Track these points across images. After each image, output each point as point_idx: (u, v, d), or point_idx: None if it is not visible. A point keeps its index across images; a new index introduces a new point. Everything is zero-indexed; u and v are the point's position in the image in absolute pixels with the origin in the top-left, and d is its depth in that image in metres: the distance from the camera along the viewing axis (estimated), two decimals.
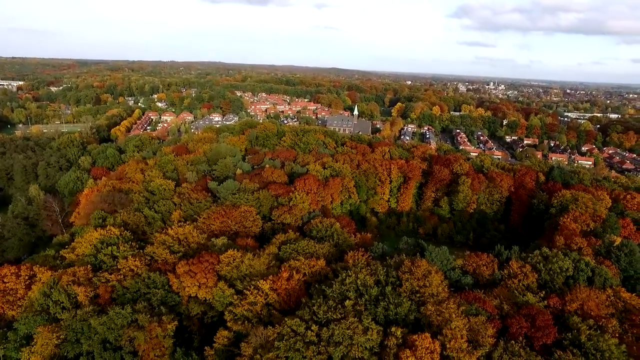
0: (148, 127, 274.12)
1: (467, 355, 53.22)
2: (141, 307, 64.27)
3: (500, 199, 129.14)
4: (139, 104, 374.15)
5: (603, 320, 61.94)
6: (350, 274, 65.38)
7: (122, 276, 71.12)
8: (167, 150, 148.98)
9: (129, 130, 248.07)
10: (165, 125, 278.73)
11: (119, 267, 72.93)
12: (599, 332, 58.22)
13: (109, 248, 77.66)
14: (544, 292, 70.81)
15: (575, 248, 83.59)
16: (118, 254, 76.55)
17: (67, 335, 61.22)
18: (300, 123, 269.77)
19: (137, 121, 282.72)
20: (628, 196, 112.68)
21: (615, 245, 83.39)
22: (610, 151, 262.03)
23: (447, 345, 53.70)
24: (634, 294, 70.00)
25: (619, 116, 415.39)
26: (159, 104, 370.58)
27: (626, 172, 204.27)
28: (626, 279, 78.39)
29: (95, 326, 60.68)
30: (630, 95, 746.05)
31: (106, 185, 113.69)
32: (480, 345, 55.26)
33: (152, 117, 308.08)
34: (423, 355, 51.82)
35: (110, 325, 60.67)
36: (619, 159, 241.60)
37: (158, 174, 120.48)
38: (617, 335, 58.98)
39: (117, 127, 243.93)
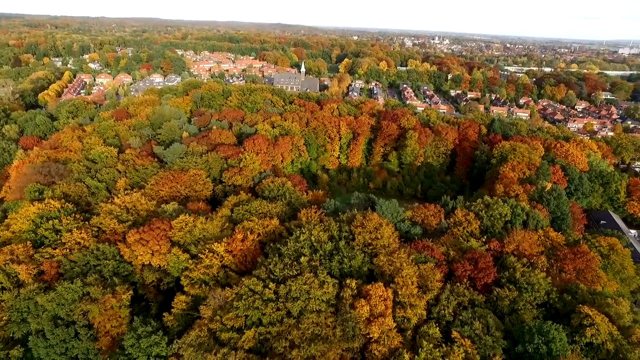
0: (82, 91, 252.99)
1: (417, 300, 57.24)
2: (92, 280, 62.26)
3: (446, 152, 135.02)
4: (69, 65, 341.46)
5: (534, 258, 68.70)
6: (304, 231, 66.70)
7: (68, 250, 67.94)
8: (106, 115, 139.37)
9: (59, 94, 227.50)
10: (101, 88, 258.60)
11: (63, 241, 69.41)
12: (530, 268, 64.57)
13: (50, 222, 73.23)
14: (485, 237, 76.93)
15: (512, 195, 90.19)
16: (61, 228, 72.53)
17: (10, 316, 58.43)
18: (246, 82, 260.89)
19: (69, 85, 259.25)
20: (558, 145, 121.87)
21: (546, 190, 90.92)
22: (544, 103, 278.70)
23: (399, 292, 57.31)
24: (559, 233, 77.88)
25: (552, 70, 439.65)
26: (92, 66, 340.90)
27: (557, 123, 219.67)
28: (554, 220, 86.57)
29: (43, 303, 58.23)
30: (562, 50, 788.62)
31: (39, 156, 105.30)
32: (429, 290, 59.51)
33: (85, 79, 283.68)
34: (377, 303, 55.04)
35: (60, 301, 58.49)
36: (551, 110, 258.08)
37: (98, 141, 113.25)
38: (544, 269, 65.76)
39: (46, 91, 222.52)
